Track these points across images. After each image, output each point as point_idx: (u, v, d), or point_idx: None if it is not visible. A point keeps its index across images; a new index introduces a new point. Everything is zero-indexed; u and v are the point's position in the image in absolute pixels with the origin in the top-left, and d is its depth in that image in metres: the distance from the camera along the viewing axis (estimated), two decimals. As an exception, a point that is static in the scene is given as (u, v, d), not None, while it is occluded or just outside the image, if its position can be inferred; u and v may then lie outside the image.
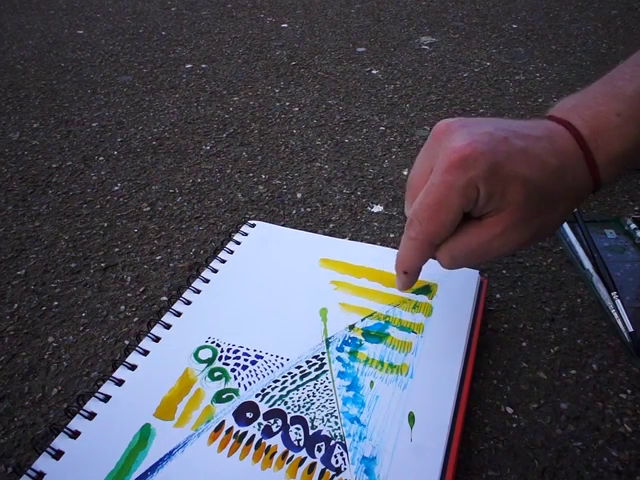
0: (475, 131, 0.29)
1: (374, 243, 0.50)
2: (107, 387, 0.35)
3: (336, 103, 0.79)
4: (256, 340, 0.38)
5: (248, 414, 0.33)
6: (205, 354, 0.37)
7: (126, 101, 0.81)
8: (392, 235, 0.52)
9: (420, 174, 0.31)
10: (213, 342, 0.38)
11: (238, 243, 0.48)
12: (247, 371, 0.36)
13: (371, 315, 0.40)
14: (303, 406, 0.34)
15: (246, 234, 0.49)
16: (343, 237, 0.51)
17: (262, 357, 0.37)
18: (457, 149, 0.28)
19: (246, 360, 0.37)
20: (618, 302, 0.42)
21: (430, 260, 0.45)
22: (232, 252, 0.47)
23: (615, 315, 0.41)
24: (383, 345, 0.38)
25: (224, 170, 0.63)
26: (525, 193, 0.28)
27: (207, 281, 0.43)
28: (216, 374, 0.36)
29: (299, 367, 0.36)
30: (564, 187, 0.30)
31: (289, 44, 1.03)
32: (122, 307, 0.44)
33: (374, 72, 0.89)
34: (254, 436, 0.32)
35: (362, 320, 0.40)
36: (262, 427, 0.32)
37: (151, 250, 0.51)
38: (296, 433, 0.32)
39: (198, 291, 0.42)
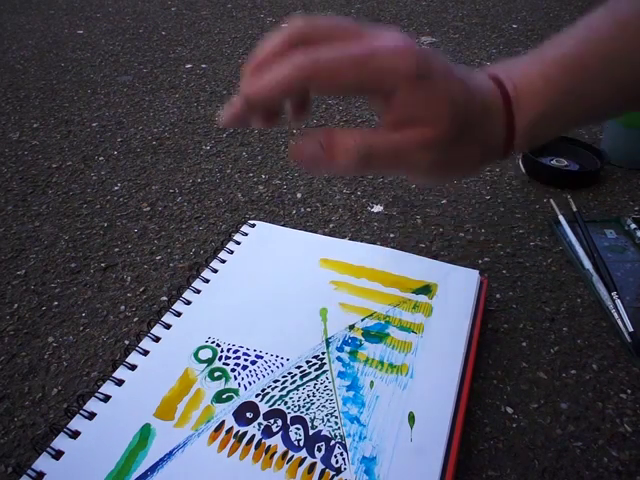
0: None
1: (374, 243, 0.50)
2: (107, 387, 0.35)
3: (336, 103, 0.79)
4: (256, 340, 0.38)
5: (248, 414, 0.33)
6: (205, 354, 0.37)
7: (126, 101, 0.81)
8: (392, 235, 0.52)
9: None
10: (213, 342, 0.38)
11: (238, 243, 0.48)
12: (247, 371, 0.36)
13: (371, 315, 0.40)
14: (303, 406, 0.34)
15: (246, 234, 0.49)
16: (343, 237, 0.51)
17: (262, 357, 0.37)
18: (395, 37, 0.26)
19: (246, 360, 0.37)
20: (618, 302, 0.42)
21: (430, 260, 0.45)
22: (232, 252, 0.47)
23: (615, 315, 0.41)
24: (383, 345, 0.38)
25: (224, 170, 0.63)
26: (450, 112, 0.27)
27: (207, 281, 0.43)
28: (216, 374, 0.36)
29: (299, 367, 0.36)
30: (483, 129, 0.29)
31: (289, 44, 1.03)
32: (122, 307, 0.44)
33: (374, 72, 0.89)
34: (254, 436, 0.32)
35: (362, 320, 0.40)
36: (262, 427, 0.32)
37: (151, 250, 0.51)
38: (296, 433, 0.32)
39: (198, 291, 0.42)
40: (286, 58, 0.25)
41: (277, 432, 0.32)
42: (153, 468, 0.30)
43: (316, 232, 0.51)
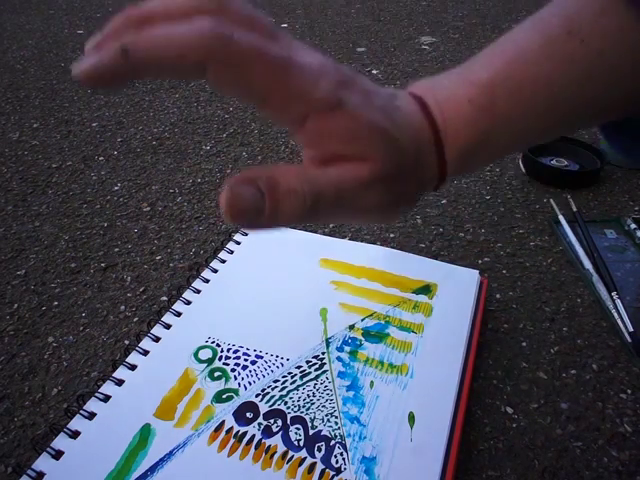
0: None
1: (374, 243, 0.50)
2: (107, 387, 0.35)
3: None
4: (256, 340, 0.38)
5: (248, 414, 0.33)
6: (205, 354, 0.37)
7: (126, 101, 0.81)
8: (392, 235, 0.52)
9: None
10: (213, 342, 0.38)
11: (238, 243, 0.48)
12: (247, 371, 0.36)
13: (371, 315, 0.40)
14: (303, 406, 0.34)
15: (246, 234, 0.49)
16: (343, 237, 0.51)
17: (262, 357, 0.37)
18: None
19: (246, 360, 0.37)
20: (618, 302, 0.42)
21: (430, 260, 0.45)
22: (232, 252, 0.47)
23: (615, 315, 0.41)
24: (383, 345, 0.38)
25: (224, 170, 0.63)
26: (385, 147, 0.25)
27: (207, 281, 0.43)
28: (216, 374, 0.36)
29: (299, 367, 0.36)
30: (417, 162, 0.27)
31: (289, 44, 1.03)
32: (122, 307, 0.44)
33: (374, 72, 0.89)
34: (254, 436, 0.32)
35: (362, 320, 0.40)
36: (262, 427, 0.32)
37: (151, 250, 0.51)
38: (296, 433, 0.32)
39: (198, 291, 0.42)
40: (194, 19, 0.20)
41: (277, 432, 0.32)
42: (153, 468, 0.30)
43: (316, 232, 0.51)
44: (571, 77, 0.27)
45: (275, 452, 0.31)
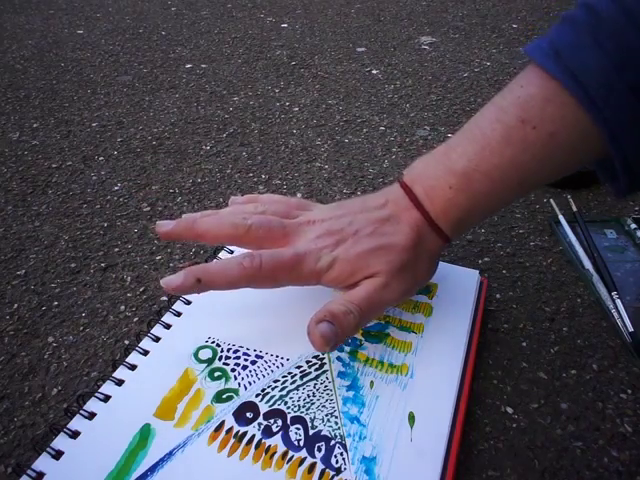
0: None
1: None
2: (107, 387, 0.35)
3: (336, 103, 0.79)
4: (256, 340, 0.38)
5: (248, 414, 0.33)
6: (205, 354, 0.37)
7: (126, 101, 0.81)
8: (392, 235, 0.52)
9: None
10: (213, 342, 0.38)
11: (238, 243, 0.48)
12: (247, 371, 0.36)
13: (371, 315, 0.40)
14: (303, 406, 0.34)
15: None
16: (343, 237, 0.51)
17: (262, 357, 0.37)
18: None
19: (246, 360, 0.37)
20: (618, 302, 0.42)
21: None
22: (232, 252, 0.46)
23: (615, 315, 0.41)
24: (383, 345, 0.38)
25: (224, 170, 0.63)
26: (380, 259, 0.35)
27: (207, 281, 0.43)
28: (216, 374, 0.36)
29: (299, 367, 0.36)
30: (417, 254, 0.36)
31: (289, 44, 1.03)
32: (122, 307, 0.44)
33: (374, 72, 0.89)
34: (254, 436, 0.32)
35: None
36: (262, 427, 0.32)
37: (151, 250, 0.51)
38: (296, 433, 0.32)
39: (198, 291, 0.42)
40: (240, 260, 0.34)
41: (277, 432, 0.32)
42: (153, 468, 0.30)
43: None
44: (529, 157, 0.33)
45: (275, 452, 0.31)
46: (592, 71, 0.30)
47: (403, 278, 0.35)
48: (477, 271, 0.44)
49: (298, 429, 0.32)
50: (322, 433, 0.32)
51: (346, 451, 0.31)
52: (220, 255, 0.46)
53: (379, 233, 0.36)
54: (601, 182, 0.58)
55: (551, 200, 0.55)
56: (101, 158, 0.66)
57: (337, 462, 0.31)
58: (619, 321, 0.41)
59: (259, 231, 0.36)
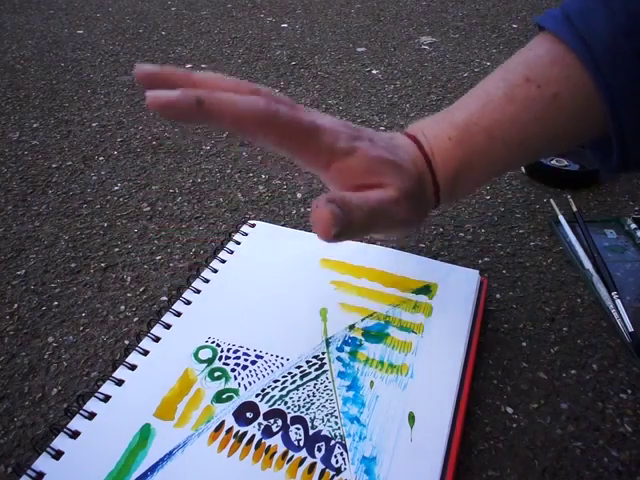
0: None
1: (374, 243, 0.50)
2: (107, 387, 0.35)
3: (336, 103, 0.79)
4: (256, 340, 0.38)
5: (248, 414, 0.33)
6: (205, 354, 0.37)
7: (126, 101, 0.81)
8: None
9: None
10: (213, 342, 0.38)
11: (238, 243, 0.48)
12: (247, 371, 0.36)
13: (371, 315, 0.40)
14: (303, 406, 0.34)
15: (246, 234, 0.49)
16: (343, 237, 0.51)
17: (262, 357, 0.37)
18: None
19: (246, 360, 0.37)
20: (618, 302, 0.42)
21: (430, 260, 0.45)
22: (232, 252, 0.47)
23: (615, 315, 0.41)
24: (383, 345, 0.38)
25: (224, 170, 0.63)
26: (395, 173, 0.32)
27: (207, 281, 0.43)
28: (216, 374, 0.36)
29: (299, 367, 0.36)
30: (422, 185, 0.34)
31: (289, 44, 1.03)
32: (122, 307, 0.44)
33: (374, 72, 0.89)
34: (254, 436, 0.32)
35: (362, 320, 0.40)
36: (262, 427, 0.32)
37: (151, 250, 0.51)
38: (296, 433, 0.32)
39: (198, 291, 0.42)
40: (251, 96, 0.28)
41: (277, 432, 0.32)
42: (153, 468, 0.30)
43: (316, 232, 0.51)
44: (531, 117, 0.33)
45: (275, 452, 0.31)
46: (600, 35, 0.30)
47: (410, 204, 0.33)
48: (477, 271, 0.44)
49: (298, 429, 0.32)
50: (322, 433, 0.32)
51: (346, 451, 0.31)
52: (221, 255, 0.46)
53: (393, 151, 0.33)
54: (601, 181, 0.58)
55: (551, 200, 0.55)
56: (101, 158, 0.66)
57: (337, 462, 0.31)
58: (619, 321, 0.41)
59: (284, 109, 0.29)
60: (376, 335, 0.39)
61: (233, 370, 0.36)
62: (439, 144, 0.35)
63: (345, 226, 0.29)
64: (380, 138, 0.34)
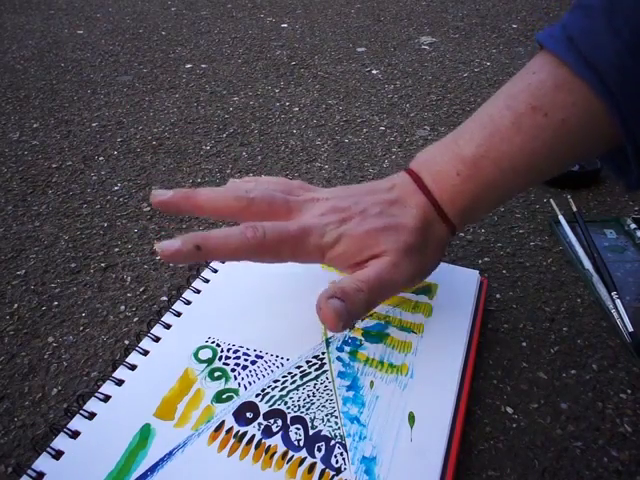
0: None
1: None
2: (107, 387, 0.35)
3: (336, 103, 0.79)
4: (256, 340, 0.38)
5: (248, 414, 0.33)
6: (205, 354, 0.37)
7: (126, 101, 0.81)
8: (392, 235, 0.52)
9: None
10: (213, 342, 0.38)
11: (238, 243, 0.48)
12: (247, 371, 0.36)
13: (371, 315, 0.40)
14: (303, 406, 0.34)
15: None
16: (343, 237, 0.51)
17: (262, 357, 0.37)
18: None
19: (246, 360, 0.37)
20: (618, 302, 0.42)
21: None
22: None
23: (615, 315, 0.41)
24: (383, 345, 0.38)
25: (224, 170, 0.63)
26: (387, 238, 0.33)
27: (207, 281, 0.43)
28: (216, 374, 0.36)
29: (299, 367, 0.36)
30: (425, 238, 0.35)
31: (289, 44, 1.03)
32: (122, 307, 0.44)
33: (374, 72, 0.89)
34: (254, 436, 0.32)
35: (362, 320, 0.40)
36: (262, 427, 0.32)
37: (151, 250, 0.51)
38: (296, 433, 0.32)
39: (198, 291, 0.42)
40: (241, 230, 0.32)
41: (277, 432, 0.32)
42: (153, 468, 0.30)
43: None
44: (539, 144, 0.32)
45: (275, 452, 0.31)
46: (606, 55, 0.29)
47: (412, 260, 0.34)
48: (477, 271, 0.44)
49: (298, 429, 0.32)
50: (322, 433, 0.32)
51: (346, 451, 0.31)
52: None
53: (387, 214, 0.34)
54: (601, 181, 0.58)
55: (551, 200, 0.55)
56: (101, 158, 0.66)
57: (337, 462, 0.31)
58: (619, 321, 0.41)
59: (262, 205, 0.34)
60: (376, 335, 0.39)
61: (233, 370, 0.36)
62: (447, 181, 0.34)
63: (351, 315, 0.31)
64: (374, 202, 0.35)
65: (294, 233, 0.33)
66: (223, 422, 0.33)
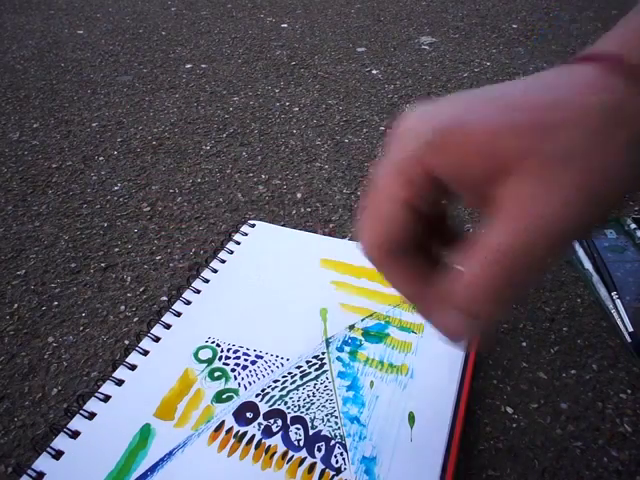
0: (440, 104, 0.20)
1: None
2: (107, 387, 0.35)
3: (336, 103, 0.79)
4: (256, 340, 0.38)
5: (248, 414, 0.33)
6: (205, 354, 0.37)
7: (126, 101, 0.81)
8: (392, 235, 0.52)
9: None
10: (213, 342, 0.38)
11: (238, 243, 0.48)
12: (247, 371, 0.36)
13: (371, 315, 0.40)
14: (303, 406, 0.34)
15: (246, 234, 0.49)
16: (343, 237, 0.51)
17: (262, 357, 0.37)
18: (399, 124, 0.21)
19: (246, 360, 0.37)
20: (618, 302, 0.42)
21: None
22: (232, 252, 0.47)
23: (615, 315, 0.41)
24: (383, 345, 0.38)
25: (224, 170, 0.63)
26: (534, 163, 0.18)
27: (207, 281, 0.43)
28: (216, 374, 0.36)
29: (299, 367, 0.36)
30: (606, 129, 0.18)
31: (289, 44, 1.03)
32: (122, 307, 0.44)
33: (374, 72, 0.89)
34: (254, 436, 0.32)
35: (362, 320, 0.40)
36: (262, 427, 0.32)
37: (151, 250, 0.51)
38: (296, 433, 0.32)
39: (198, 291, 0.42)
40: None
41: (277, 432, 0.32)
42: (153, 468, 0.30)
43: (316, 232, 0.51)
44: None
45: (275, 452, 0.31)
46: None
47: (574, 173, 0.18)
48: (477, 271, 0.44)
49: (298, 429, 0.32)
50: (322, 433, 0.32)
51: (346, 451, 0.31)
52: (221, 255, 0.46)
53: (531, 88, 0.19)
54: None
55: (551, 200, 0.55)
56: (101, 158, 0.66)
57: (337, 462, 0.31)
58: (619, 321, 0.41)
59: None
60: (376, 335, 0.39)
61: (233, 370, 0.36)
62: (631, 27, 0.21)
63: (482, 326, 0.21)
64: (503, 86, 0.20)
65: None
66: (223, 422, 0.33)
